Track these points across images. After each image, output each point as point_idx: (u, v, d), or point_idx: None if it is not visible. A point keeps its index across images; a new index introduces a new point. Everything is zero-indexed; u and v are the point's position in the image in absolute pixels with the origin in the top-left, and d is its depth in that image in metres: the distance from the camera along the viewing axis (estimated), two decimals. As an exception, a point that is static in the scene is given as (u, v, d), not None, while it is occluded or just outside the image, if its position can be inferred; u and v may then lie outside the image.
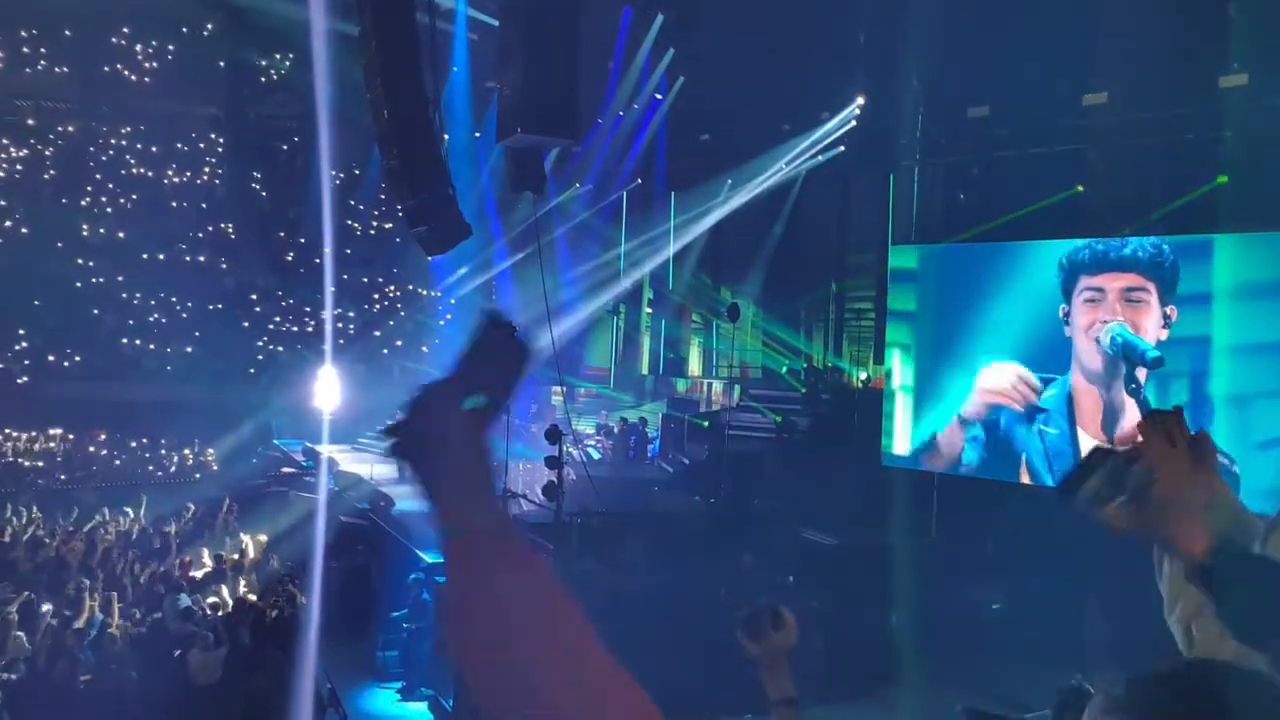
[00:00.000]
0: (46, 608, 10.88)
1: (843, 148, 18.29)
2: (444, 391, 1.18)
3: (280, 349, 25.25)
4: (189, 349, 24.51)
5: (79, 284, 24.15)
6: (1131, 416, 11.77)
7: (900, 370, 14.41)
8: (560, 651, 1.11)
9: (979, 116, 14.99)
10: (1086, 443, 12.47)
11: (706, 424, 18.17)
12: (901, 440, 14.36)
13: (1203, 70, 12.50)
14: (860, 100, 17.65)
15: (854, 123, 17.87)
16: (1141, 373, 11.90)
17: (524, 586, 1.13)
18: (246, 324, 25.12)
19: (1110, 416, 12.28)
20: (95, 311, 24.20)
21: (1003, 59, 13.83)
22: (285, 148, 26.51)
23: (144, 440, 21.87)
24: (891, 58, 16.35)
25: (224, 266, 25.63)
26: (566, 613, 1.13)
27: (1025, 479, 12.96)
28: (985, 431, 13.43)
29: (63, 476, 18.99)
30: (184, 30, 24.34)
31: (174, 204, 25.66)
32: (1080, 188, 13.79)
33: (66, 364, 23.74)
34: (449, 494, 1.16)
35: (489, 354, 1.21)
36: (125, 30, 24.37)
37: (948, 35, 14.46)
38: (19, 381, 23.18)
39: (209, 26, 24.37)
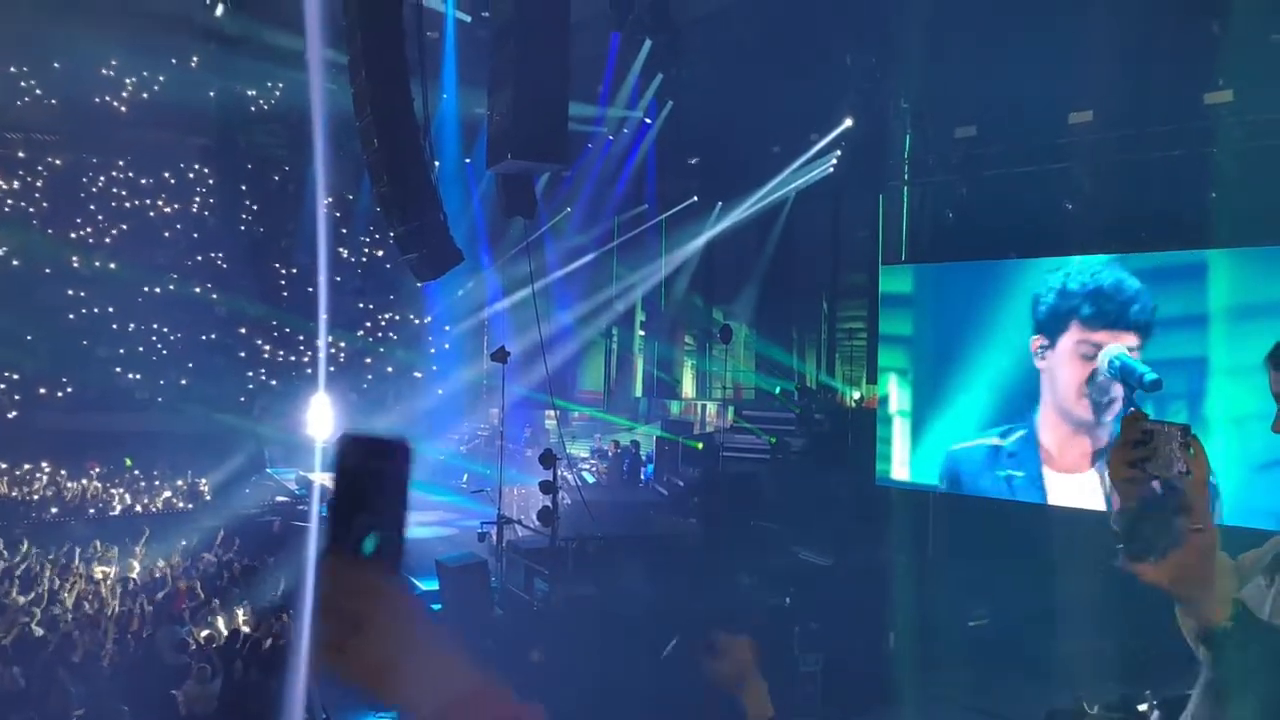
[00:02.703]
0: (41, 641, 10.80)
1: (833, 168, 18.38)
2: (335, 554, 1.02)
3: (273, 378, 25.20)
4: (181, 379, 24.44)
5: (70, 315, 24.10)
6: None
7: (897, 395, 14.38)
8: None
9: (966, 136, 15.08)
10: (1054, 483, 12.61)
11: (700, 446, 18.16)
12: (900, 466, 14.32)
13: (1188, 87, 12.59)
14: (848, 121, 17.75)
15: (843, 144, 17.97)
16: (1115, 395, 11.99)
17: None
18: (239, 354, 25.07)
19: (1081, 452, 12.46)
20: (86, 343, 24.14)
21: (989, 79, 13.92)
22: (276, 177, 26.55)
23: (137, 472, 21.78)
24: (879, 79, 16.47)
25: (215, 296, 25.60)
26: None
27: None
28: (949, 484, 13.49)
29: (55, 509, 18.87)
30: (173, 61, 24.39)
31: (165, 234, 25.64)
32: (1068, 205, 13.86)
33: (60, 395, 23.67)
34: (397, 678, 1.01)
35: (359, 482, 1.05)
36: (114, 62, 24.42)
37: (934, 56, 14.56)
38: (10, 415, 23.08)
39: (197, 58, 24.44)
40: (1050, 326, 12.68)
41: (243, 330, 25.36)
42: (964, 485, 13.36)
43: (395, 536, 1.05)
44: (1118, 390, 12.06)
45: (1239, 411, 10.96)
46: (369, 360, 26.29)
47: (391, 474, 1.05)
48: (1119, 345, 11.95)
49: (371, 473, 1.05)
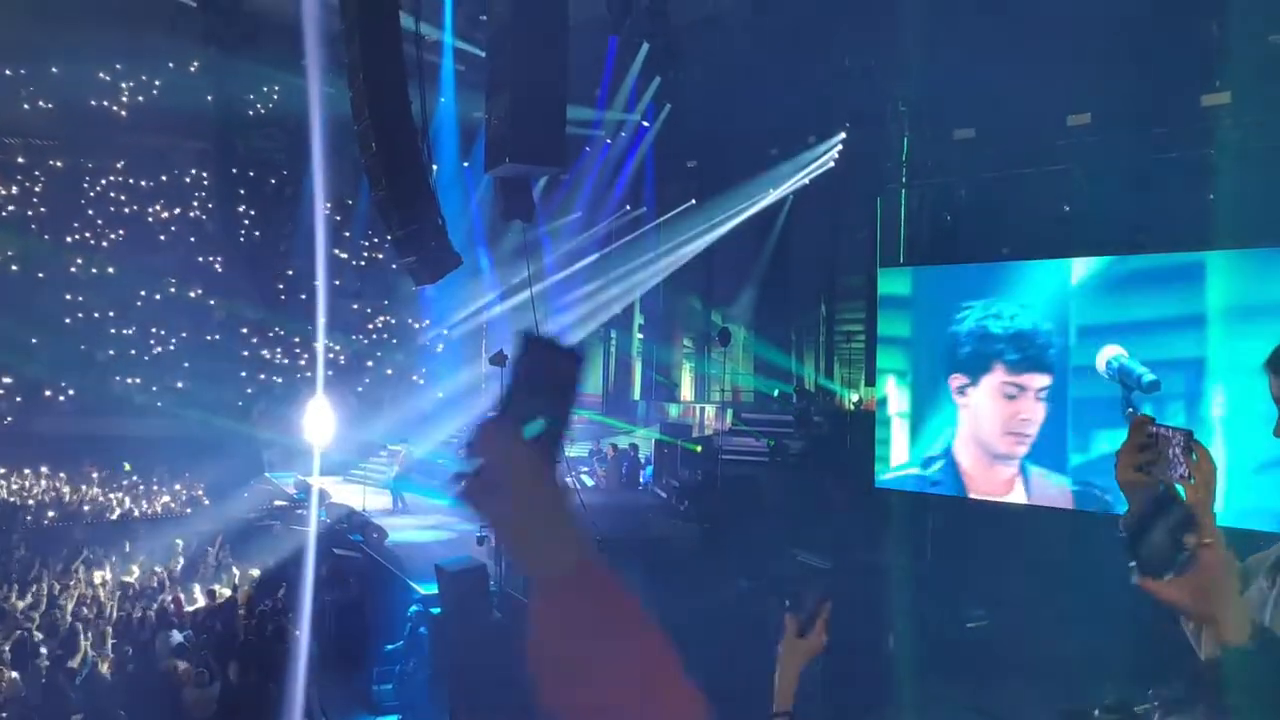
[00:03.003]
0: (40, 646, 10.79)
1: (829, 169, 18.39)
2: (499, 425, 1.12)
3: (271, 382, 25.19)
4: (179, 383, 24.44)
5: (68, 319, 24.10)
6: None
7: (896, 396, 14.40)
8: (660, 709, 1.05)
9: (964, 138, 15.09)
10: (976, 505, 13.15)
11: (698, 448, 18.16)
12: (898, 469, 14.32)
13: (1185, 88, 12.61)
14: (846, 123, 17.77)
15: (840, 146, 17.99)
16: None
17: (621, 634, 1.07)
18: (237, 357, 25.06)
19: (1004, 479, 12.92)
20: (84, 347, 24.14)
21: (987, 81, 13.93)
22: (274, 181, 26.54)
23: (136, 477, 21.76)
24: (877, 81, 16.48)
25: (213, 300, 25.60)
26: (666, 664, 1.07)
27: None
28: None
29: (53, 514, 18.84)
30: (171, 65, 24.40)
31: (163, 238, 25.65)
32: (1066, 208, 13.87)
33: (59, 399, 23.66)
34: (528, 537, 1.10)
35: (535, 374, 1.15)
36: (112, 66, 24.43)
37: (932, 59, 14.58)
38: (8, 420, 23.07)
39: (196, 62, 24.44)
40: (972, 366, 13.18)
41: (241, 334, 25.36)
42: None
43: (558, 428, 1.14)
44: (1040, 417, 12.54)
45: (1238, 413, 10.96)
46: (368, 364, 26.28)
47: (565, 374, 1.16)
48: (1116, 348, 11.96)
49: (547, 369, 1.15)
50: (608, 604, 1.09)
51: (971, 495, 13.22)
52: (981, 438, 13.15)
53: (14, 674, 9.87)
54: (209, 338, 25.02)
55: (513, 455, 1.10)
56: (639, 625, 1.09)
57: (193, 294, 25.46)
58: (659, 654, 1.08)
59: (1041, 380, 12.71)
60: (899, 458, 14.13)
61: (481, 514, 1.11)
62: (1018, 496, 12.86)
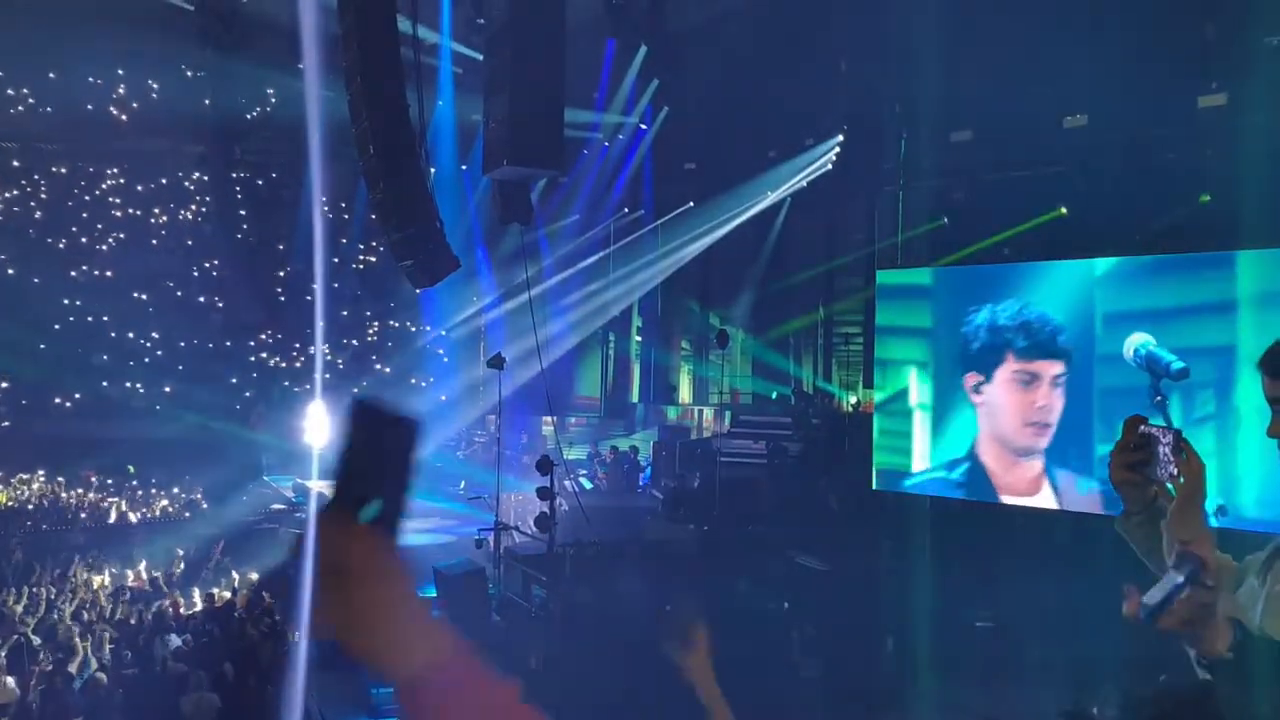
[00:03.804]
0: (38, 651, 10.77)
1: (827, 171, 18.40)
2: (335, 515, 1.03)
3: (269, 385, 25.18)
4: (177, 387, 24.41)
5: (65, 323, 24.08)
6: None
7: (917, 388, 14.26)
8: None
9: (961, 140, 15.12)
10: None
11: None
12: (920, 458, 14.22)
13: (1181, 90, 12.63)
14: (844, 126, 17.78)
15: (838, 148, 18.00)
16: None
17: None
18: (235, 361, 25.05)
19: (1030, 477, 12.71)
20: (82, 350, 24.12)
21: (983, 83, 13.96)
22: (272, 184, 26.54)
23: (135, 482, 21.73)
24: (873, 83, 16.51)
25: (211, 304, 25.60)
26: None
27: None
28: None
29: (51, 518, 18.82)
30: (169, 69, 24.40)
31: (160, 242, 25.65)
32: (1063, 209, 13.89)
33: (63, 403, 23.64)
34: (380, 636, 1.02)
35: (367, 449, 1.05)
36: (111, 70, 24.43)
37: (929, 61, 14.60)
38: (5, 423, 23.04)
39: (194, 65, 24.44)
40: (984, 362, 12.99)
41: (239, 337, 25.34)
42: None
43: (395, 508, 1.06)
44: (1059, 405, 12.36)
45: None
46: (366, 367, 26.27)
47: (398, 446, 1.06)
48: (1143, 335, 11.85)
49: (378, 442, 1.05)
50: (477, 696, 1.02)
51: (1001, 498, 12.96)
52: (1001, 433, 12.90)
53: (11, 679, 9.85)
54: (207, 341, 25.00)
55: (350, 548, 1.02)
56: (515, 712, 1.03)
57: (191, 297, 25.46)
58: None
59: (1055, 367, 12.46)
60: (919, 464, 14.02)
61: (328, 619, 1.02)
62: (1046, 499, 12.57)
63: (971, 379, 13.07)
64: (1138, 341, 11.82)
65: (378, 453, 1.06)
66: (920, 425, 14.06)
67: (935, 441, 13.91)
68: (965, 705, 10.45)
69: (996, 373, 12.89)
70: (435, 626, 1.04)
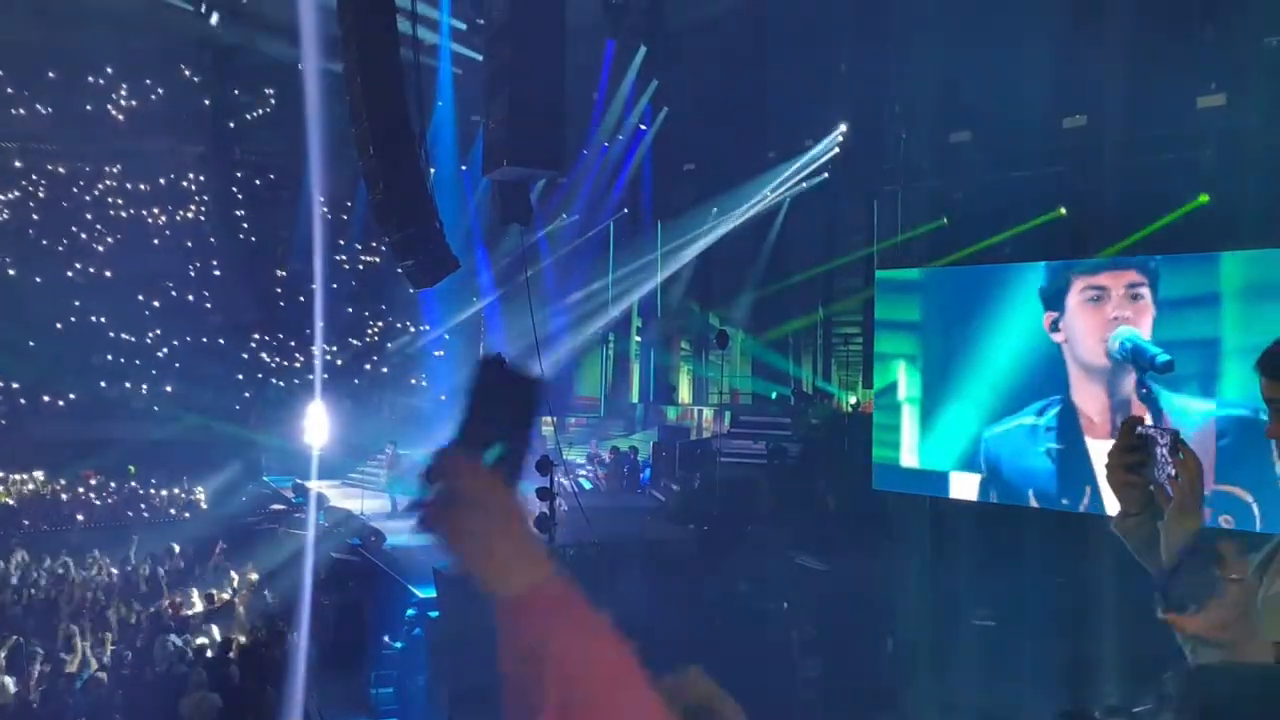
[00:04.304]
0: (36, 651, 10.78)
1: (826, 174, 18.41)
2: (458, 452, 1.14)
3: (268, 385, 25.18)
4: (177, 387, 24.41)
5: (65, 323, 24.07)
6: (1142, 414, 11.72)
7: (906, 382, 14.23)
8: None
9: (961, 141, 15.12)
10: (1098, 450, 12.22)
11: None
12: (909, 453, 14.16)
13: (1180, 91, 12.63)
14: (843, 126, 17.79)
15: (837, 149, 18.01)
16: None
17: (583, 651, 1.08)
18: (234, 361, 25.04)
19: (1123, 415, 11.90)
20: (82, 351, 24.11)
21: (983, 84, 13.96)
22: (271, 185, 26.55)
23: (134, 483, 21.73)
24: (873, 84, 16.51)
25: (210, 304, 25.60)
26: (632, 680, 1.07)
27: (1034, 503, 12.87)
28: (989, 469, 13.35)
29: (51, 518, 18.83)
30: (168, 69, 24.41)
31: (160, 242, 25.65)
32: (1063, 210, 13.89)
33: (61, 403, 23.63)
34: (489, 557, 1.11)
35: (494, 400, 1.17)
36: (109, 70, 24.44)
37: (928, 61, 14.61)
38: (4, 423, 23.03)
39: (194, 65, 24.47)
40: (1055, 294, 12.49)
41: (238, 337, 25.34)
42: (1004, 468, 13.16)
43: (517, 456, 1.17)
44: (1144, 315, 11.75)
45: (1254, 393, 10.79)
46: (365, 366, 26.27)
47: (522, 401, 1.18)
48: (1129, 327, 11.80)
49: (504, 395, 1.17)
50: (571, 619, 1.09)
51: (1089, 440, 12.18)
52: (1083, 360, 12.22)
53: (10, 678, 9.86)
54: (206, 341, 25.00)
55: (472, 480, 1.12)
56: (605, 638, 1.09)
57: (190, 297, 25.46)
58: (626, 667, 1.08)
59: (1127, 276, 11.82)
60: (908, 458, 13.96)
61: (441, 539, 1.13)
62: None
63: (1049, 318, 12.53)
64: (1123, 334, 11.79)
65: (503, 404, 1.17)
66: (910, 418, 14.02)
67: (924, 436, 13.85)
68: (964, 704, 10.46)
69: (1068, 299, 12.36)
70: (542, 557, 1.13)
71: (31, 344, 23.44)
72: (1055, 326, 12.48)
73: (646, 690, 1.08)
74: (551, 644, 1.06)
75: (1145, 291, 11.75)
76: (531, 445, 1.18)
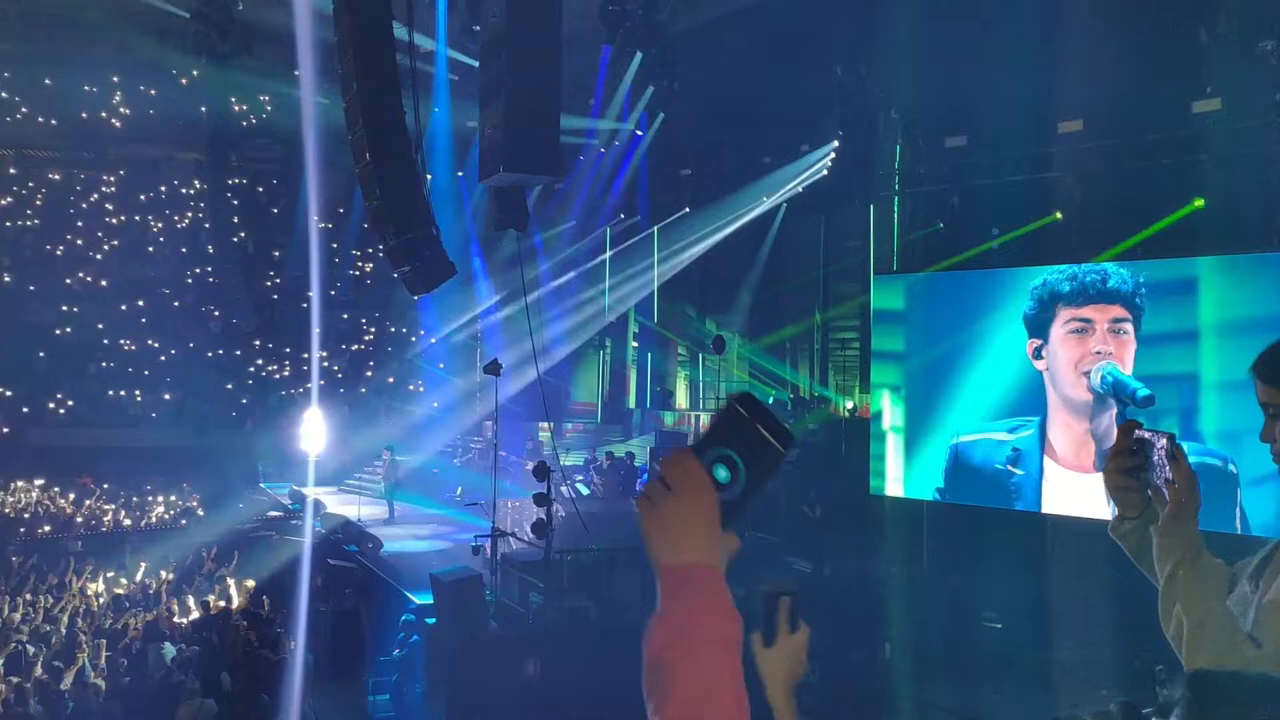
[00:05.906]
0: (34, 659, 10.74)
1: (824, 173, 18.41)
2: (692, 453, 1.23)
3: (265, 392, 25.14)
4: (174, 394, 24.38)
5: (63, 331, 24.06)
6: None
7: (890, 411, 14.38)
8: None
9: (956, 146, 15.14)
10: (1056, 478, 12.51)
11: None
12: (894, 482, 14.28)
13: (1176, 95, 12.66)
14: (839, 132, 17.80)
15: (833, 154, 18.02)
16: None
17: (713, 632, 1.18)
18: (231, 368, 25.01)
19: (1096, 450, 12.22)
20: (78, 358, 24.08)
21: (978, 89, 13.99)
22: (267, 191, 26.55)
23: (130, 488, 21.69)
24: (869, 90, 16.52)
25: (207, 311, 25.57)
26: (736, 686, 1.16)
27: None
28: (948, 473, 13.48)
29: (47, 526, 18.77)
30: (165, 76, 24.42)
31: (157, 249, 25.64)
32: (1059, 214, 13.91)
33: (55, 411, 23.59)
34: (677, 529, 1.21)
35: (741, 431, 1.23)
36: (107, 77, 24.43)
37: (924, 66, 14.63)
38: (2, 431, 22.99)
39: (190, 73, 24.48)
40: (1040, 323, 12.70)
41: (235, 344, 25.32)
42: (960, 474, 13.30)
43: (735, 492, 1.23)
44: (1123, 352, 11.96)
45: (1231, 427, 10.91)
46: (363, 374, 26.24)
47: (771, 449, 1.24)
48: (1109, 361, 11.92)
49: (759, 434, 1.23)
50: (719, 608, 1.20)
51: (1048, 463, 12.48)
52: (1062, 391, 12.43)
53: (6, 686, 9.82)
54: (203, 348, 24.97)
55: (690, 472, 1.21)
56: (732, 638, 1.19)
57: (187, 304, 25.44)
58: (735, 682, 1.17)
59: (1112, 310, 12.02)
60: (892, 467, 14.04)
61: (644, 513, 1.22)
62: (1096, 482, 11.73)
63: (1033, 345, 12.74)
64: (1105, 368, 11.88)
65: (749, 439, 1.23)
66: (894, 448, 14.18)
67: (908, 465, 13.97)
68: (961, 708, 10.45)
69: (1052, 328, 12.54)
70: (714, 542, 1.23)
71: (28, 351, 23.43)
72: (1038, 354, 12.66)
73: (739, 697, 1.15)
74: (695, 618, 1.17)
75: (1129, 327, 11.96)
76: (757, 497, 1.24)
